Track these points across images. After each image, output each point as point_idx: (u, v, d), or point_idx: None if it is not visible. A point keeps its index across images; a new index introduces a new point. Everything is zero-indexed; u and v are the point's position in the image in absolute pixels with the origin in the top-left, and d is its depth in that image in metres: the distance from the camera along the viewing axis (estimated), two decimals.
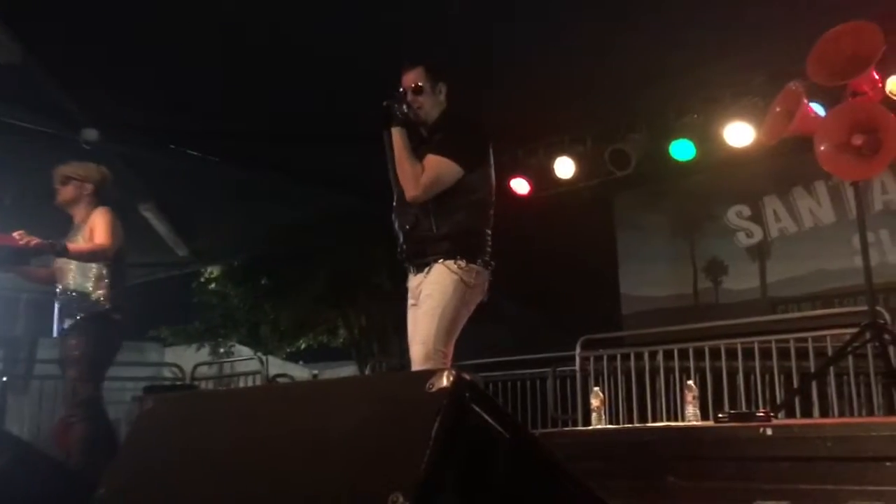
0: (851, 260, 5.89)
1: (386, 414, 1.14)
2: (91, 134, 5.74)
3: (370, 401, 1.17)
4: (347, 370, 12.16)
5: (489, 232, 3.34)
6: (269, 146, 6.54)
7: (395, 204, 3.39)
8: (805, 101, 4.64)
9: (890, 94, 4.86)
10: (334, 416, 1.20)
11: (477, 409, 1.11)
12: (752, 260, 7.07)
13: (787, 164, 6.20)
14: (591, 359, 6.51)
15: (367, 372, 9.53)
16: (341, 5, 4.72)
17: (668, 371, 6.22)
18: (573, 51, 5.11)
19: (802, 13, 4.73)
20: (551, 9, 4.75)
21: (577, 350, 6.50)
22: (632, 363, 6.36)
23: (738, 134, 6.00)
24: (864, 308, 4.67)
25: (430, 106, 3.37)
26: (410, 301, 3.33)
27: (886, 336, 4.42)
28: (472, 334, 3.37)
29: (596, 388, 5.09)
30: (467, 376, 1.13)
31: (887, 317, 4.94)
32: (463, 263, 3.17)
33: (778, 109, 4.76)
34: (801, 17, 4.71)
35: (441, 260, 3.18)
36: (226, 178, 6.85)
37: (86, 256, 4.11)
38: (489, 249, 3.30)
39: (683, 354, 6.14)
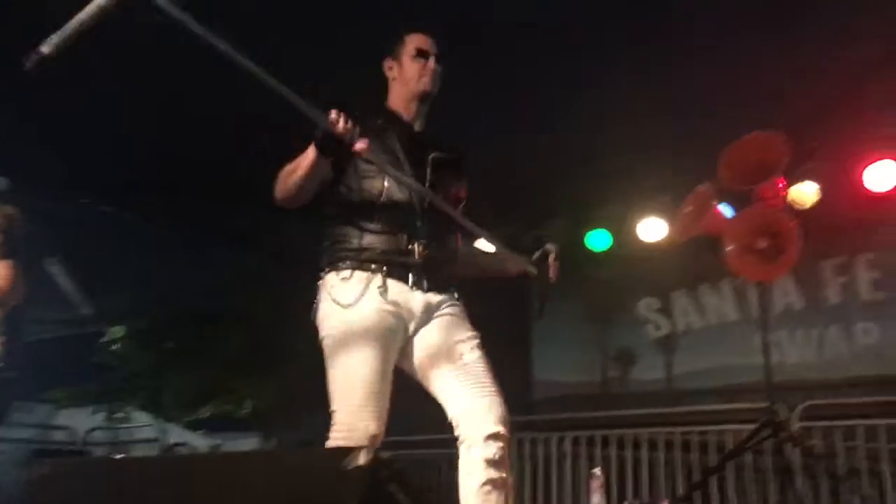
0: (753, 357, 6.08)
1: (297, 491, 1.11)
2: (2, 183, 5.55)
3: (280, 476, 1.14)
4: (251, 442, 11.76)
5: None
6: (179, 205, 6.43)
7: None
8: (714, 202, 4.88)
9: (793, 202, 5.17)
10: (241, 491, 1.16)
11: (392, 489, 1.09)
12: (659, 352, 7.25)
13: (696, 261, 6.44)
14: None
15: (272, 445, 9.24)
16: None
17: (575, 458, 6.26)
18: (500, 135, 5.25)
19: (717, 120, 5.01)
20: (482, 93, 4.89)
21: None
22: (540, 449, 6.38)
23: (652, 229, 6.25)
24: (764, 405, 4.83)
25: None
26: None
27: (783, 434, 4.57)
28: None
29: None
30: (384, 455, 1.12)
31: (784, 414, 5.13)
32: None
33: (689, 209, 4.99)
34: (716, 124, 4.99)
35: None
36: (135, 236, 6.70)
37: None
38: None
39: (591, 442, 6.20)
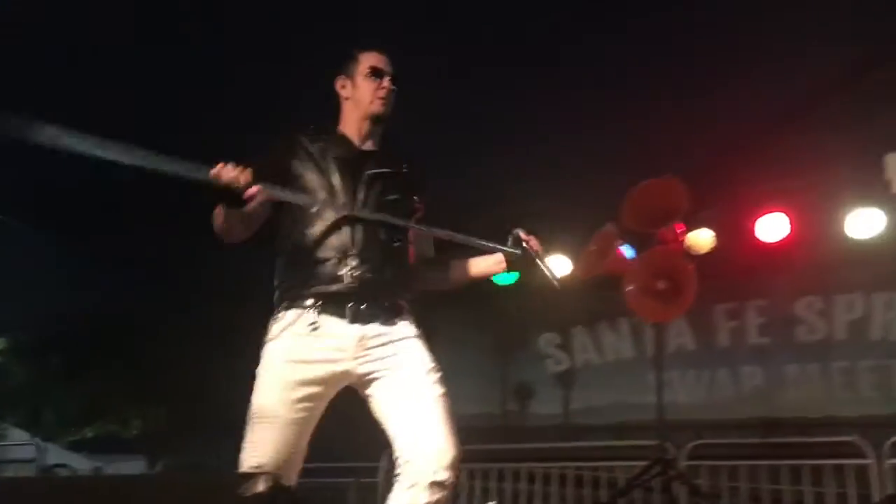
0: (646, 395, 6.26)
1: None
2: None
3: (175, 502, 1.09)
4: (135, 465, 11.28)
5: None
6: (70, 220, 6.19)
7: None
8: (617, 243, 5.02)
9: (691, 247, 5.37)
10: None
11: None
12: (557, 386, 7.37)
13: (597, 299, 6.59)
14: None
15: (157, 468, 8.90)
16: None
17: (471, 490, 6.25)
18: None
19: (622, 165, 5.18)
20: (395, 132, 4.92)
21: (382, 462, 6.40)
22: None
23: (557, 265, 6.36)
24: (655, 442, 4.96)
25: None
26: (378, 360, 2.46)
27: (671, 472, 4.70)
28: None
29: None
30: (284, 482, 1.08)
31: (673, 453, 5.28)
32: None
33: (593, 248, 5.11)
34: (620, 168, 5.16)
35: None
36: (21, 246, 6.39)
37: None
38: None
39: (487, 475, 6.21)
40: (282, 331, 2.43)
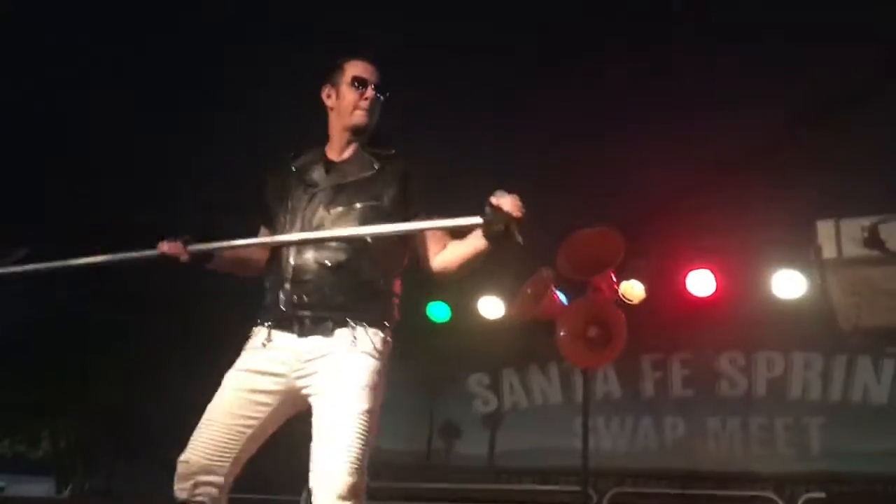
0: (571, 441, 6.31)
1: None
2: None
3: None
4: (42, 488, 10.81)
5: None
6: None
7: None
8: (553, 287, 5.09)
9: (622, 297, 5.48)
10: None
11: None
12: (484, 427, 7.36)
13: (528, 342, 6.65)
14: None
15: (66, 493, 8.54)
16: None
17: None
18: None
19: (559, 211, 5.27)
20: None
21: (303, 495, 6.29)
22: None
23: (491, 307, 6.42)
24: (577, 489, 4.99)
25: None
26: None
27: None
28: None
29: None
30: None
31: (595, 499, 5.32)
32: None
33: (529, 291, 5.18)
34: (558, 214, 5.25)
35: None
36: None
37: None
38: None
39: None
40: (246, 346, 2.51)
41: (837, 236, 1.24)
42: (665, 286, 5.96)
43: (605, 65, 4.53)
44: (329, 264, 2.46)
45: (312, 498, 2.21)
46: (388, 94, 2.67)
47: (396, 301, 2.59)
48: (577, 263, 4.84)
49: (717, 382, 6.65)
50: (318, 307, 2.44)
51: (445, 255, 2.56)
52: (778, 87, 4.69)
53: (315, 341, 2.41)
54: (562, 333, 4.89)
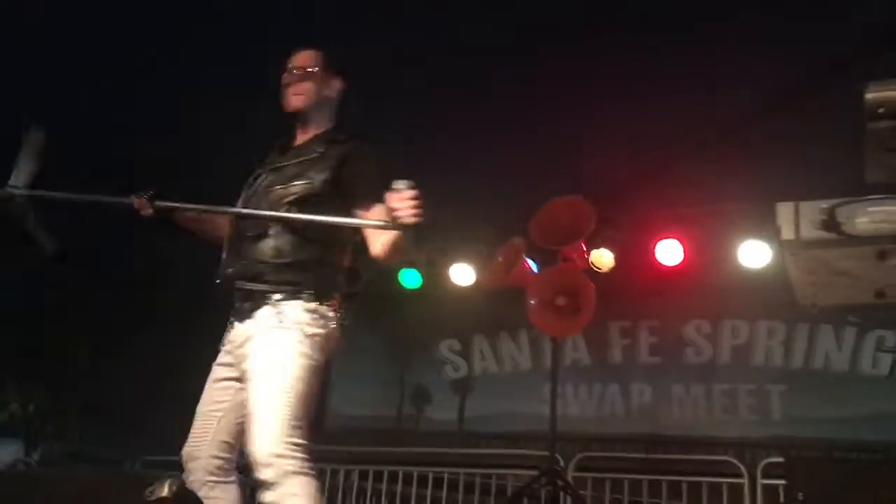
0: (540, 406, 6.43)
1: None
2: None
3: (79, 500, 1.08)
4: (10, 450, 10.76)
5: None
6: None
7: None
8: (524, 256, 5.14)
9: (592, 265, 5.54)
10: None
11: None
12: (454, 393, 7.45)
13: (499, 309, 6.72)
14: None
15: (35, 456, 8.51)
16: None
17: (361, 492, 6.27)
18: None
19: (531, 182, 5.32)
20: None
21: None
22: (327, 480, 6.32)
23: (462, 274, 6.46)
24: (545, 453, 5.09)
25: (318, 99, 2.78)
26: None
27: (559, 482, 4.85)
28: None
29: None
30: (188, 486, 1.09)
31: (562, 463, 5.44)
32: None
33: (500, 259, 5.22)
34: (530, 185, 5.29)
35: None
36: None
37: None
38: None
39: (378, 477, 6.25)
40: None
41: (796, 218, 1.29)
42: (634, 255, 6.03)
43: (580, 38, 4.53)
44: (250, 234, 2.58)
45: None
46: (314, 70, 2.74)
47: (342, 271, 2.64)
48: (549, 233, 4.87)
49: (683, 349, 6.77)
50: (240, 277, 2.56)
51: (376, 244, 2.56)
52: (750, 64, 4.73)
53: (243, 327, 2.53)
54: (532, 302, 4.94)
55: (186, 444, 2.49)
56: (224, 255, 2.65)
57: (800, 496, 2.89)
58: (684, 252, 5.93)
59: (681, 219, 5.91)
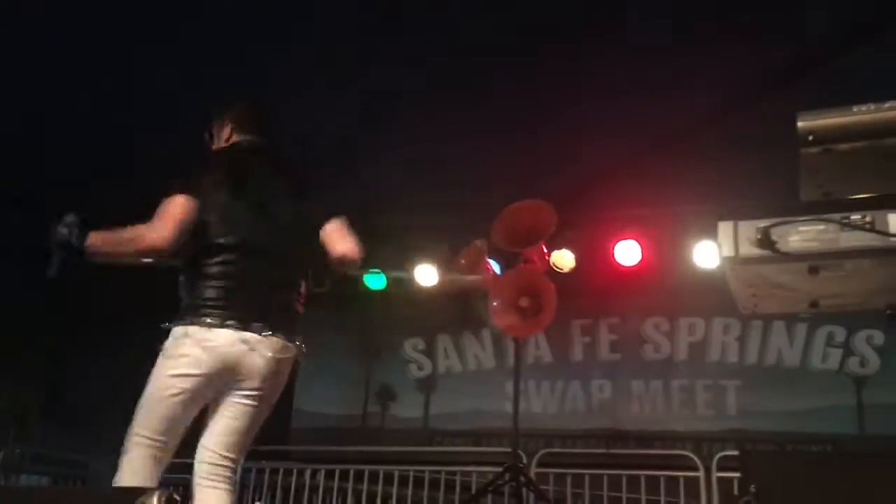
0: (503, 404, 6.55)
1: None
2: None
3: None
4: None
5: None
6: None
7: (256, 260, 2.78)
8: (486, 258, 5.24)
9: (553, 266, 5.67)
10: None
11: None
12: (419, 391, 7.55)
13: (463, 308, 6.84)
14: (253, 471, 6.42)
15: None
16: None
17: (327, 491, 6.34)
18: None
19: (493, 185, 5.43)
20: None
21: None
22: (293, 479, 6.39)
23: (426, 274, 6.56)
24: (509, 450, 5.21)
25: None
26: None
27: (522, 478, 4.96)
28: None
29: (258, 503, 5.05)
30: (176, 497, 1.16)
31: (525, 460, 5.56)
32: None
33: (463, 261, 5.32)
34: (491, 188, 5.40)
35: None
36: None
37: None
38: None
39: (344, 476, 6.32)
40: None
41: (735, 236, 1.39)
42: (594, 256, 6.18)
43: (538, 42, 4.63)
44: None
45: None
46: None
47: (185, 294, 2.79)
48: (511, 235, 4.97)
49: (642, 347, 6.95)
50: None
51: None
52: (707, 66, 4.85)
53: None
54: (495, 304, 5.04)
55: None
56: None
57: (752, 488, 3.02)
58: (642, 252, 6.09)
59: (638, 220, 6.07)
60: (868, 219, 1.45)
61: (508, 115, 5.14)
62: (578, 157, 5.48)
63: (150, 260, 2.73)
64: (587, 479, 5.82)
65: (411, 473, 6.19)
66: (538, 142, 5.35)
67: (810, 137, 1.50)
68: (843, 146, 1.51)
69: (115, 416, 2.77)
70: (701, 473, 5.41)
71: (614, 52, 4.83)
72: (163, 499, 1.11)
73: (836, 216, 1.47)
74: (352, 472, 6.30)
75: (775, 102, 4.60)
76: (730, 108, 5.10)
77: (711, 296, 6.41)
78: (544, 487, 5.54)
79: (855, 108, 1.54)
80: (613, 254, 6.14)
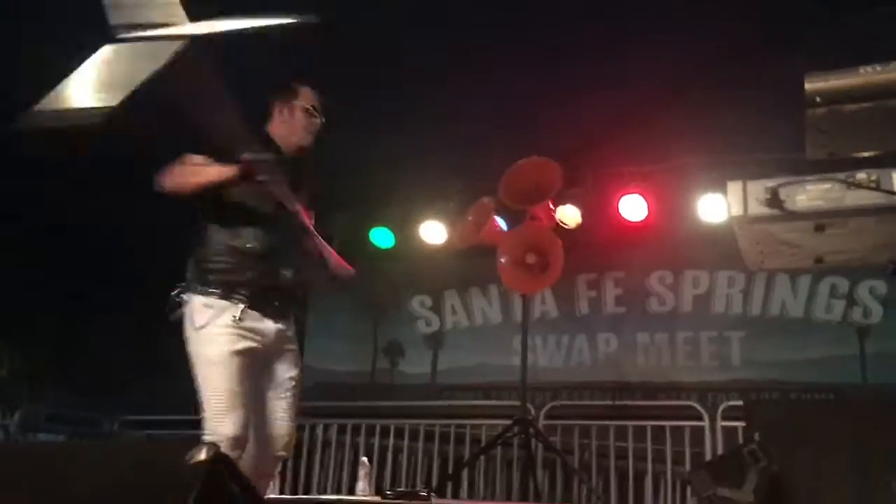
0: (510, 358, 6.66)
1: (142, 482, 1.20)
2: None
3: (124, 467, 1.22)
4: None
5: None
6: None
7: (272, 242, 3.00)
8: (493, 215, 5.30)
9: (559, 222, 5.72)
10: (84, 480, 1.22)
11: (228, 481, 1.21)
12: (427, 347, 7.64)
13: (470, 265, 6.89)
14: None
15: (15, 418, 8.56)
16: None
17: (340, 445, 6.48)
18: None
19: (500, 143, 5.45)
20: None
21: None
22: (305, 434, 6.51)
23: (434, 232, 6.61)
24: (517, 403, 5.32)
25: None
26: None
27: (531, 430, 5.08)
28: None
29: None
30: (224, 451, 1.23)
31: (533, 412, 5.68)
32: None
33: (470, 218, 5.38)
34: (499, 146, 5.42)
35: None
36: None
37: None
38: None
39: (356, 430, 6.45)
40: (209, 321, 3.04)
41: (744, 196, 1.44)
42: (599, 211, 6.22)
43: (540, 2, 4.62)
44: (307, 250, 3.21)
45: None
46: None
47: (204, 259, 2.94)
48: (518, 192, 5.02)
49: (647, 300, 7.01)
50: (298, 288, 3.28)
51: None
52: (713, 19, 4.83)
53: (276, 325, 3.09)
54: (502, 260, 5.11)
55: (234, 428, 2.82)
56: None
57: (756, 437, 3.10)
58: (648, 207, 6.13)
59: (644, 175, 6.10)
60: (874, 177, 1.50)
61: (514, 74, 5.15)
62: (585, 114, 5.49)
63: None
64: (594, 430, 5.94)
65: (422, 427, 6.31)
66: (545, 101, 5.35)
67: (818, 99, 1.54)
68: (850, 107, 1.54)
69: (125, 376, 2.89)
70: (706, 423, 5.52)
71: (617, 4, 4.82)
72: (210, 451, 1.18)
73: (842, 175, 1.52)
74: (364, 427, 6.42)
75: (780, 56, 4.61)
76: (735, 61, 5.10)
77: (716, 249, 6.48)
78: (552, 439, 5.66)
79: (862, 70, 1.57)
80: (619, 209, 6.18)
